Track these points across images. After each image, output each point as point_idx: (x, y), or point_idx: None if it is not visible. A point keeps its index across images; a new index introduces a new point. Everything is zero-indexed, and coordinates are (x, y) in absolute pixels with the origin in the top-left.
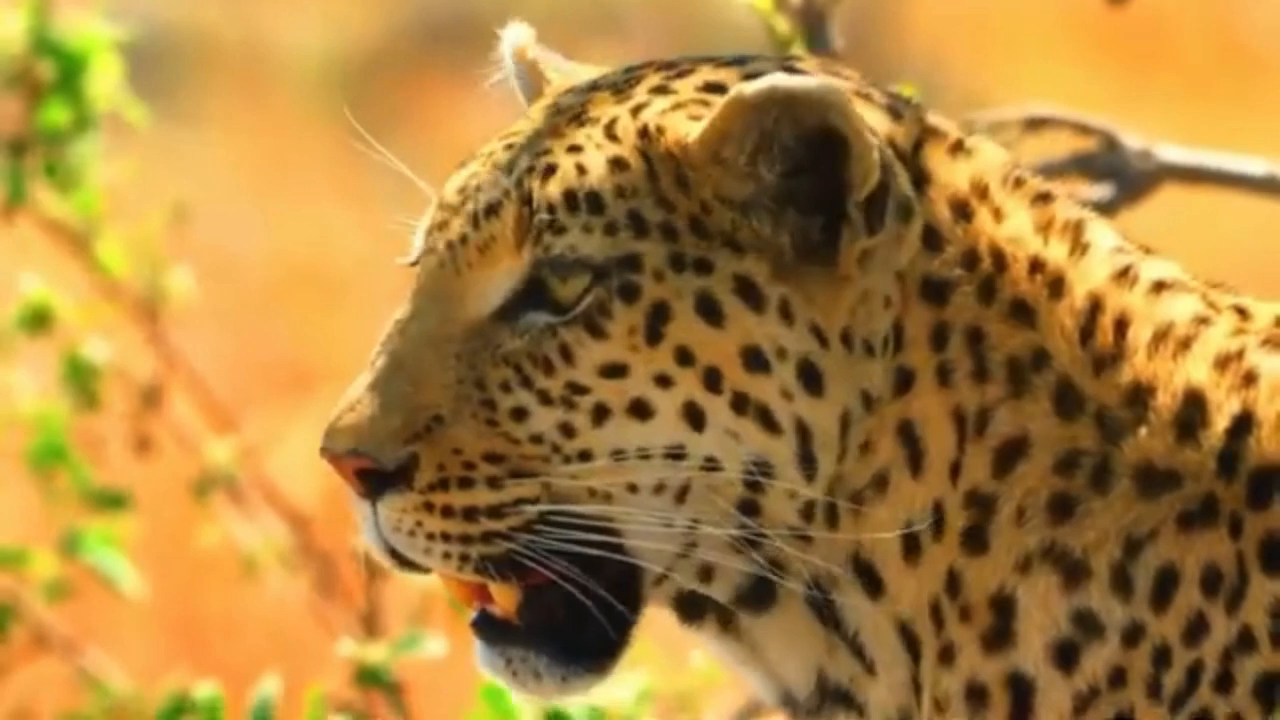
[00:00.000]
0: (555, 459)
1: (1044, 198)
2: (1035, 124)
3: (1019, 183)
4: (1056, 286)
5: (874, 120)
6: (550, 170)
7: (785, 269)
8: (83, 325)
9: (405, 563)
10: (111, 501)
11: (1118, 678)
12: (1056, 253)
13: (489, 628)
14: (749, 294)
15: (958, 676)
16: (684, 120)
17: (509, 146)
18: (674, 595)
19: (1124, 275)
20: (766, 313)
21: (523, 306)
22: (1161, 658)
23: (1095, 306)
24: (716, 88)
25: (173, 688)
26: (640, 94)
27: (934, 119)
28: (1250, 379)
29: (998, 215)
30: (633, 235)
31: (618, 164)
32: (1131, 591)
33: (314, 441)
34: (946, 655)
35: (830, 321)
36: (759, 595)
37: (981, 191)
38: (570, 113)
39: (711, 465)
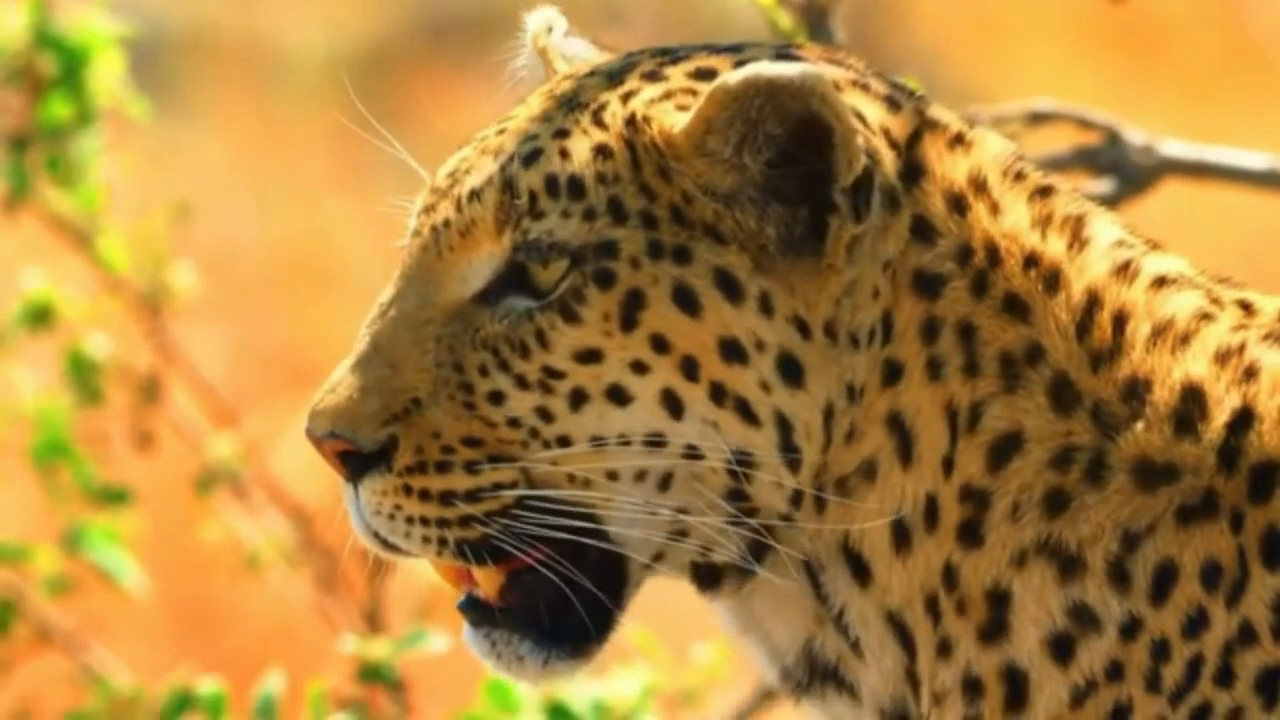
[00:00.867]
0: (534, 444)
1: (1045, 192)
2: (1037, 119)
3: (1020, 176)
4: (1052, 281)
5: (868, 110)
6: (534, 155)
7: (768, 261)
8: (84, 321)
9: (389, 546)
10: (113, 497)
11: (1115, 671)
12: (1054, 247)
13: (474, 610)
14: (728, 285)
15: (954, 669)
16: (671, 110)
17: (501, 131)
18: (689, 568)
19: (1124, 270)
20: (745, 305)
21: (504, 291)
22: (1161, 651)
23: (1093, 301)
24: (707, 74)
25: (175, 683)
26: (632, 81)
27: (935, 112)
28: (1251, 373)
29: (994, 209)
30: (611, 222)
31: (601, 151)
32: (1129, 585)
33: None
34: (944, 649)
35: (814, 313)
36: (756, 561)
37: (979, 185)
38: (563, 99)
39: (693, 454)
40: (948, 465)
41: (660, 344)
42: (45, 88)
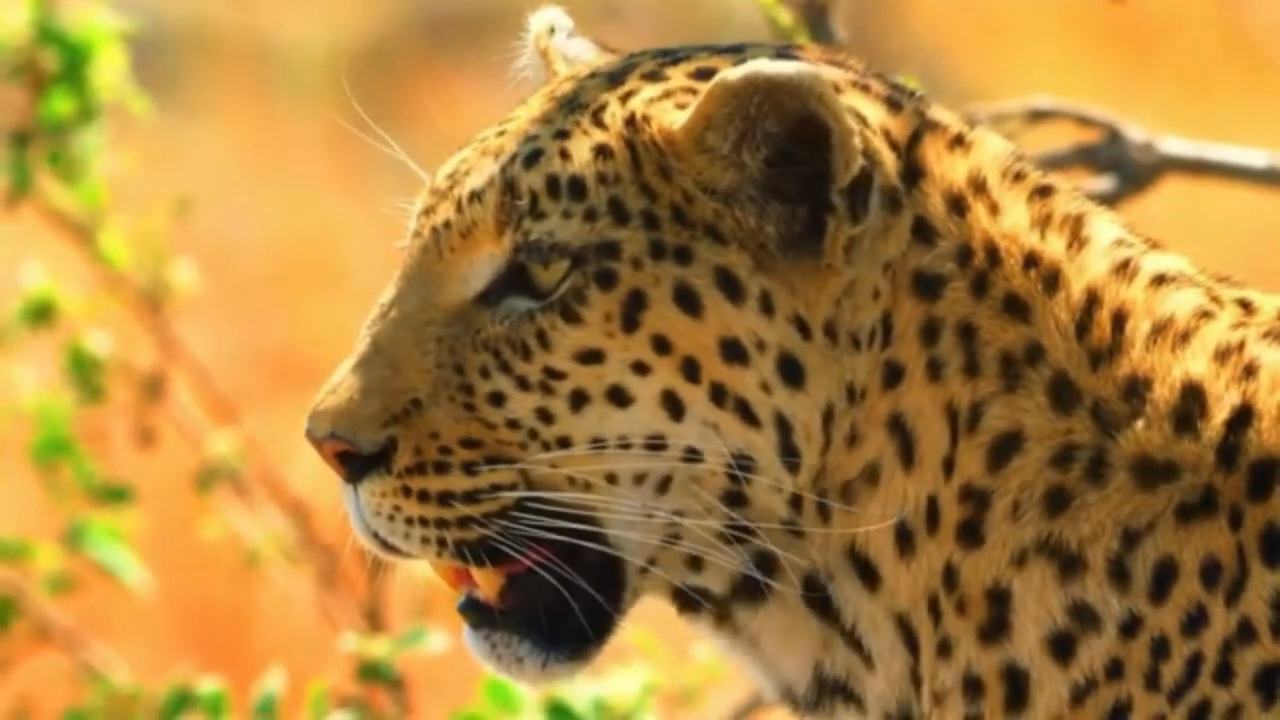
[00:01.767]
0: (533, 445)
1: (1044, 192)
2: (1037, 116)
3: (1019, 177)
4: (1052, 281)
5: (868, 111)
6: (535, 156)
7: (768, 260)
8: (85, 318)
9: (389, 547)
10: (114, 494)
11: (1115, 669)
12: (1054, 247)
13: (474, 612)
14: (729, 285)
15: (954, 669)
16: (670, 109)
17: (502, 133)
18: (670, 586)
19: (1124, 269)
20: (746, 305)
21: (505, 292)
22: (1160, 649)
23: (1093, 300)
24: (707, 74)
25: (175, 682)
26: (632, 81)
27: (936, 112)
28: (1251, 371)
29: (994, 210)
30: (612, 222)
31: (602, 151)
32: (1129, 583)
33: None
34: (944, 648)
35: (814, 313)
36: (753, 588)
37: (978, 186)
38: (563, 100)
39: (692, 456)
40: (948, 466)
41: (662, 344)
42: (47, 84)
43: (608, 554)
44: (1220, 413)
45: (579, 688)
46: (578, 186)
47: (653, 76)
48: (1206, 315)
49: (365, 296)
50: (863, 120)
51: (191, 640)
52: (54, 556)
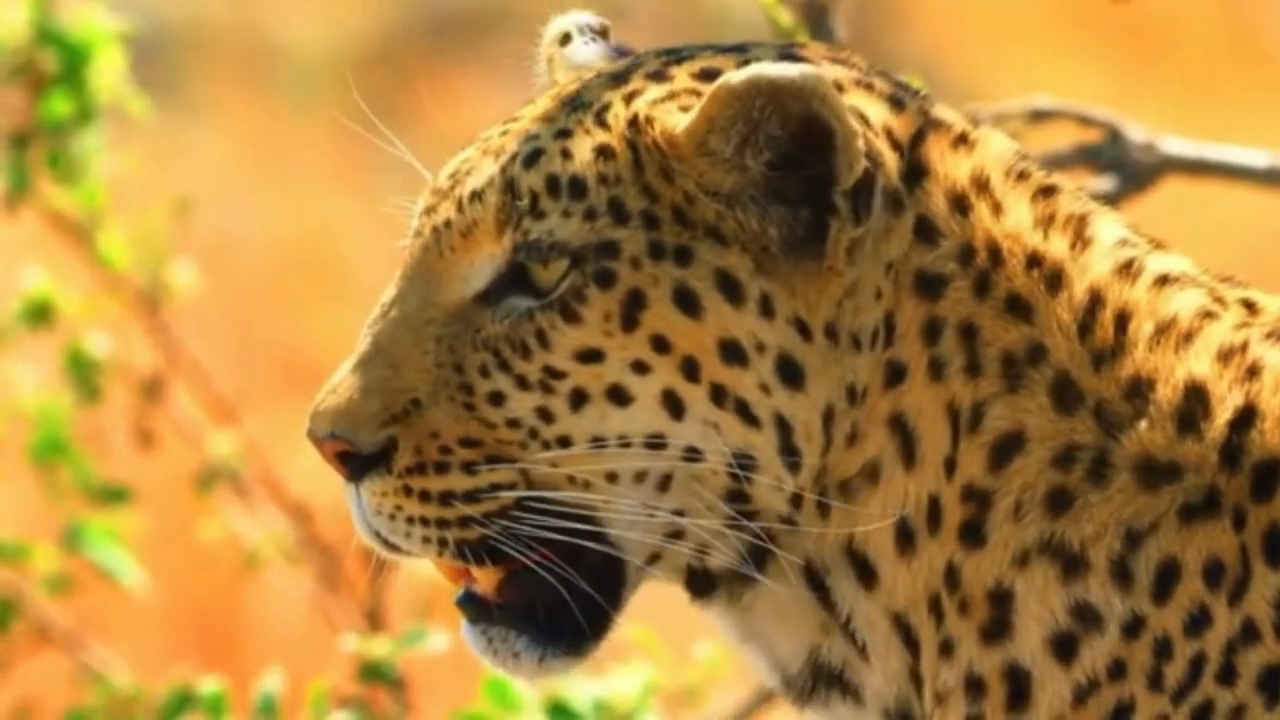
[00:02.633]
0: (533, 445)
1: (1047, 191)
2: (1039, 116)
3: (1023, 176)
4: (1055, 281)
5: (871, 111)
6: (536, 156)
7: (770, 262)
8: (84, 318)
9: (391, 546)
10: (113, 495)
11: (1118, 669)
12: (1057, 247)
13: (472, 607)
14: (729, 287)
15: (956, 669)
16: (673, 110)
17: (505, 132)
18: (683, 571)
19: (1127, 269)
20: (746, 306)
21: (505, 291)
22: (1163, 649)
23: (1096, 301)
24: (711, 75)
25: (176, 682)
26: (635, 81)
27: (939, 111)
28: (1254, 372)
29: (997, 210)
30: (612, 222)
31: (603, 152)
32: (1132, 584)
33: None
34: (946, 649)
35: (815, 314)
36: (757, 568)
37: (981, 185)
38: (566, 99)
39: (693, 456)
40: (950, 466)
41: (661, 344)
42: (46, 84)
43: (607, 553)
44: (1223, 413)
45: (580, 687)
46: (578, 186)
47: (657, 76)
48: (1210, 316)
49: (366, 296)
50: (865, 119)
51: (191, 640)
52: (53, 557)
